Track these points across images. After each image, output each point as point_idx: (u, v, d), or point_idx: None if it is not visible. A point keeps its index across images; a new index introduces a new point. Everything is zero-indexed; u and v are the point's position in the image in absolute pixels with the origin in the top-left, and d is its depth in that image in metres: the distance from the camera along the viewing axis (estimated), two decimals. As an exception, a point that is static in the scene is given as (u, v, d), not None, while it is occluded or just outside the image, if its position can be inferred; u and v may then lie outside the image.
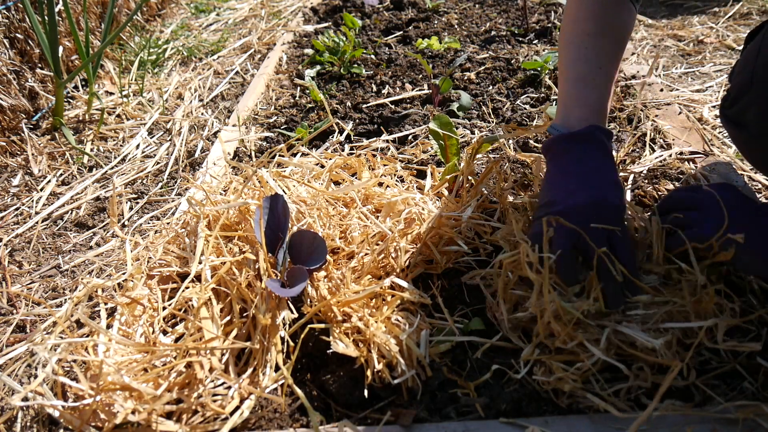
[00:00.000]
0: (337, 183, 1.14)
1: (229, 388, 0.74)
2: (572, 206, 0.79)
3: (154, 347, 0.78)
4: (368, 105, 1.50)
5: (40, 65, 1.69)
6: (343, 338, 0.78)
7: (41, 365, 0.85)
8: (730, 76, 0.91)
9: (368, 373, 0.73)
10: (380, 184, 1.11)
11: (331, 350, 0.77)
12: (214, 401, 0.72)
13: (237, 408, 0.72)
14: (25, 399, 0.75)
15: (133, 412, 0.69)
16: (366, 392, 0.73)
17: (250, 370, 0.77)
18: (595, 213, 0.77)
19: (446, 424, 0.70)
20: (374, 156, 1.20)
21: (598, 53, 0.89)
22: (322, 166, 1.17)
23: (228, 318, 0.83)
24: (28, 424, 0.77)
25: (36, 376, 0.84)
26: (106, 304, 0.91)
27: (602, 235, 0.76)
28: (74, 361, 0.80)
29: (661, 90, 1.49)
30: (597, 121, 0.87)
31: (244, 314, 0.84)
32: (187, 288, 0.84)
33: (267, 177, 1.05)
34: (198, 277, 0.90)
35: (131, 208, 1.26)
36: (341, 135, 1.37)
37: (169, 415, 0.73)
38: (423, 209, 1.00)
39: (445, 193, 1.07)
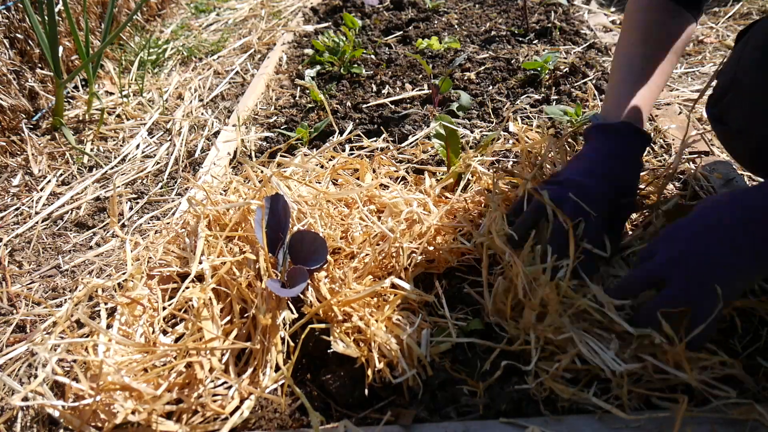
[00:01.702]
0: (335, 182, 1.14)
1: (229, 388, 0.74)
2: (564, 181, 0.85)
3: (153, 347, 0.78)
4: (368, 105, 1.50)
5: (40, 65, 1.69)
6: (344, 338, 0.78)
7: (41, 365, 0.85)
8: (718, 74, 0.93)
9: (369, 372, 0.73)
10: (381, 185, 1.11)
11: (331, 350, 0.77)
12: (214, 401, 0.72)
13: (237, 408, 0.72)
14: (25, 399, 0.75)
15: (133, 413, 0.69)
16: (366, 392, 0.73)
17: (250, 370, 0.77)
18: (575, 193, 0.81)
19: (446, 424, 0.69)
20: (372, 156, 1.20)
21: (642, 60, 0.94)
22: (323, 167, 1.17)
23: (228, 318, 0.83)
24: (28, 424, 0.77)
25: (36, 376, 0.84)
26: (106, 304, 0.91)
27: (575, 209, 0.80)
28: (74, 361, 0.80)
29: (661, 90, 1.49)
30: (631, 120, 0.90)
31: (245, 314, 0.84)
32: (187, 288, 0.84)
33: (274, 179, 1.05)
34: (198, 277, 0.90)
35: (131, 208, 1.26)
36: (341, 135, 1.36)
37: (169, 415, 0.73)
38: (424, 209, 1.00)
39: (447, 193, 1.07)
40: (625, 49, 0.96)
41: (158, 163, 1.43)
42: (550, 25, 1.91)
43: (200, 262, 0.89)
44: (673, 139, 1.24)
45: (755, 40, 0.83)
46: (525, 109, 1.41)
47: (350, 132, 1.37)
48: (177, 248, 0.97)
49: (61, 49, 1.63)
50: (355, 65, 1.73)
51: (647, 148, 1.10)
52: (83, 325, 0.91)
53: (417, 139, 1.31)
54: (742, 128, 0.86)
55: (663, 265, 0.71)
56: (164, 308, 0.86)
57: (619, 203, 0.84)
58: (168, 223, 1.10)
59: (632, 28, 0.97)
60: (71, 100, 1.76)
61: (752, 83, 0.82)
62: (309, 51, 1.96)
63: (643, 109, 0.92)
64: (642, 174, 0.99)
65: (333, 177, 1.13)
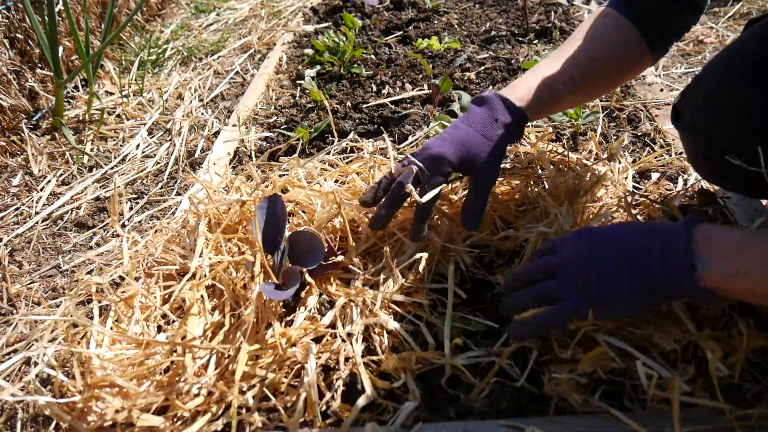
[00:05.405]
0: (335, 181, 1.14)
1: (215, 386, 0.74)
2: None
3: (142, 340, 0.77)
4: (368, 105, 1.50)
5: (40, 65, 1.69)
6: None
7: (34, 363, 0.85)
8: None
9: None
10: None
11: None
12: (195, 399, 0.72)
13: (222, 407, 0.72)
14: (15, 396, 0.75)
15: (119, 410, 0.69)
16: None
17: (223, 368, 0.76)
18: (418, 154, 0.89)
19: (446, 424, 0.69)
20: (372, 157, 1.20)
21: (564, 61, 0.93)
22: (329, 165, 1.17)
23: (221, 317, 0.83)
24: (28, 423, 0.77)
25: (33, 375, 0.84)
26: (100, 302, 0.91)
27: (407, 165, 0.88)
28: (68, 357, 0.80)
29: (661, 90, 1.49)
30: (509, 95, 0.91)
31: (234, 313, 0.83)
32: (184, 286, 0.84)
33: (275, 182, 1.04)
34: (196, 276, 0.90)
35: (131, 208, 1.26)
36: (341, 136, 1.36)
37: (158, 413, 0.72)
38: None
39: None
40: (559, 52, 0.95)
41: (158, 163, 1.43)
42: (550, 25, 1.91)
43: (199, 257, 0.89)
44: (673, 139, 1.24)
45: (737, 38, 0.83)
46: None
47: (349, 134, 1.36)
48: (177, 247, 0.97)
49: (61, 49, 1.63)
50: (355, 65, 1.73)
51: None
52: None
53: (417, 139, 1.31)
54: (691, 123, 0.84)
55: (562, 256, 0.73)
56: (161, 306, 0.86)
57: (474, 167, 0.87)
58: (168, 222, 1.10)
59: (578, 37, 0.94)
60: (71, 100, 1.76)
61: (712, 76, 0.83)
62: (309, 51, 1.96)
63: (535, 90, 0.91)
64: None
65: (336, 177, 1.13)
